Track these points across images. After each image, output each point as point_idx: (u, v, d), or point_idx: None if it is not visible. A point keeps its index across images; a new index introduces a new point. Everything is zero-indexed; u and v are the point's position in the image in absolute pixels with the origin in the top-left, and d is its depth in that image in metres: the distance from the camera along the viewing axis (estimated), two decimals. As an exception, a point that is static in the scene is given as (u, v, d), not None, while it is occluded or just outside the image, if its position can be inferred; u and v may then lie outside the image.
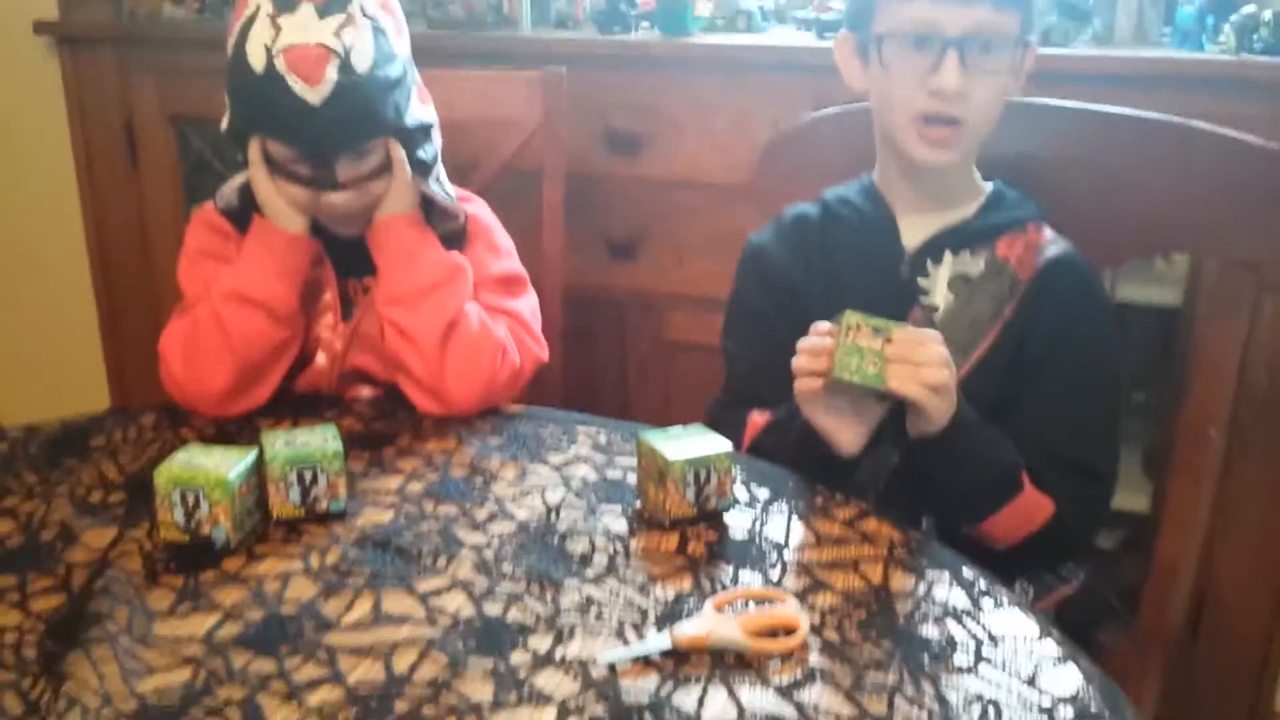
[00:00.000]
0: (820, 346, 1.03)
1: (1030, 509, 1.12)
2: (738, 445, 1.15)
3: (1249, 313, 1.25)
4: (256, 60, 1.14)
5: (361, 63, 1.16)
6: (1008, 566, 1.14)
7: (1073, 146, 1.31)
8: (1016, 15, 1.15)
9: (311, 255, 1.27)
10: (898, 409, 1.07)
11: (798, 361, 1.06)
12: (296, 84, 1.13)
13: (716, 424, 1.06)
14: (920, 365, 1.02)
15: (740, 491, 1.06)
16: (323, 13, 1.15)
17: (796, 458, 1.11)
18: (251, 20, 1.16)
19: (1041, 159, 1.30)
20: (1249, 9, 1.62)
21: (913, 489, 1.12)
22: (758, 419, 1.21)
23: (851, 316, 1.02)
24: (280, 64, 1.13)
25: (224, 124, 1.23)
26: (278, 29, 1.14)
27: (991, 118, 1.18)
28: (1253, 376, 1.59)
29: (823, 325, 1.05)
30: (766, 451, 1.16)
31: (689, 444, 1.01)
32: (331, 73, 1.14)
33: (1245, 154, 1.21)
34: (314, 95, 1.14)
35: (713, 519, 1.01)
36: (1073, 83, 1.49)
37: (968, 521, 1.12)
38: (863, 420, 1.08)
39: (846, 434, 1.08)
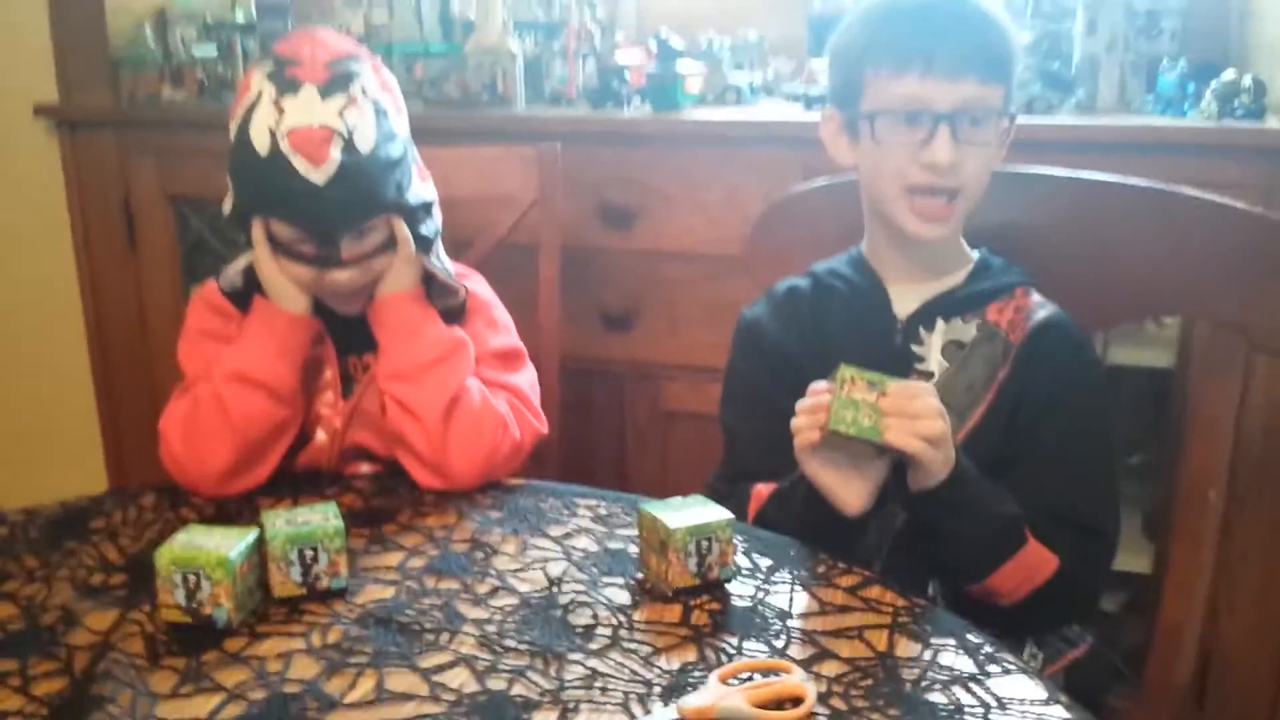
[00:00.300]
0: (817, 404, 1.04)
1: (1034, 563, 1.12)
2: (742, 518, 1.15)
3: (1241, 374, 1.26)
4: (261, 143, 1.16)
5: (364, 143, 1.18)
6: (1015, 630, 1.14)
7: (1060, 214, 1.33)
8: (1001, 88, 1.18)
9: (313, 334, 1.28)
10: (900, 468, 1.08)
11: (796, 420, 1.07)
12: (301, 165, 1.15)
13: (719, 498, 1.06)
14: (916, 418, 1.02)
15: (742, 560, 1.06)
16: (325, 94, 1.17)
17: (802, 524, 1.11)
18: (254, 104, 1.18)
19: (1030, 227, 1.32)
20: (1229, 76, 1.66)
21: (918, 552, 1.13)
22: (761, 490, 1.21)
23: (846, 370, 1.03)
24: (285, 145, 1.15)
25: (226, 206, 1.25)
26: (281, 111, 1.16)
27: (982, 188, 1.21)
28: (1248, 437, 1.60)
29: (820, 384, 1.06)
30: (772, 521, 1.16)
31: (690, 513, 1.01)
32: (335, 153, 1.16)
33: (1230, 218, 1.23)
34: (318, 175, 1.15)
35: (715, 589, 1.01)
36: (1058, 151, 1.52)
37: (973, 578, 1.12)
38: (865, 477, 1.08)
39: (849, 492, 1.08)
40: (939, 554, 1.12)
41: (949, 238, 1.23)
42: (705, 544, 1.00)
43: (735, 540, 1.02)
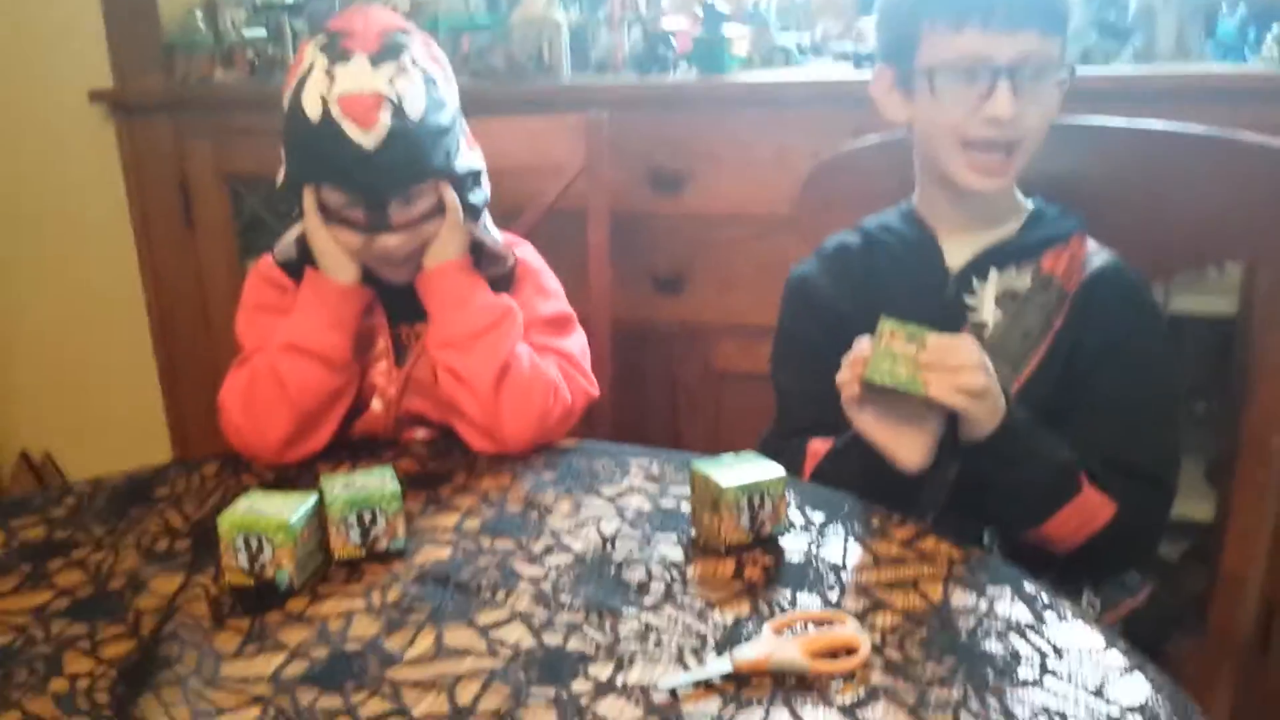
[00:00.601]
0: (857, 357, 1.04)
1: (1091, 509, 1.11)
2: (796, 475, 1.15)
3: (1306, 318, 1.24)
4: (312, 110, 1.18)
5: (414, 110, 1.19)
6: (1072, 578, 1.13)
7: (1118, 163, 1.31)
8: (1059, 40, 1.16)
9: (364, 304, 1.29)
10: (953, 420, 1.07)
11: (840, 374, 1.07)
12: (351, 129, 1.17)
13: (775, 457, 1.05)
14: (957, 370, 1.02)
15: (795, 515, 1.06)
16: (375, 62, 1.19)
17: (859, 482, 1.10)
18: (307, 74, 1.20)
19: (1089, 176, 1.30)
20: (1291, 18, 1.62)
21: (973, 503, 1.12)
22: (818, 446, 1.21)
23: (886, 323, 1.03)
24: (335, 111, 1.17)
25: (279, 178, 1.27)
26: (332, 79, 1.18)
27: (1039, 141, 1.19)
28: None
29: (864, 339, 1.05)
30: (829, 479, 1.16)
31: (741, 471, 1.01)
32: (385, 118, 1.17)
33: (1291, 161, 1.20)
34: (368, 140, 1.17)
35: (769, 544, 1.01)
36: (1117, 100, 1.49)
37: (1028, 525, 1.11)
38: (921, 431, 1.07)
39: (905, 446, 1.07)
40: (993, 503, 1.11)
41: (1005, 190, 1.21)
42: (757, 501, 1.00)
43: (788, 496, 1.02)
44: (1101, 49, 1.74)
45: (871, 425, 1.07)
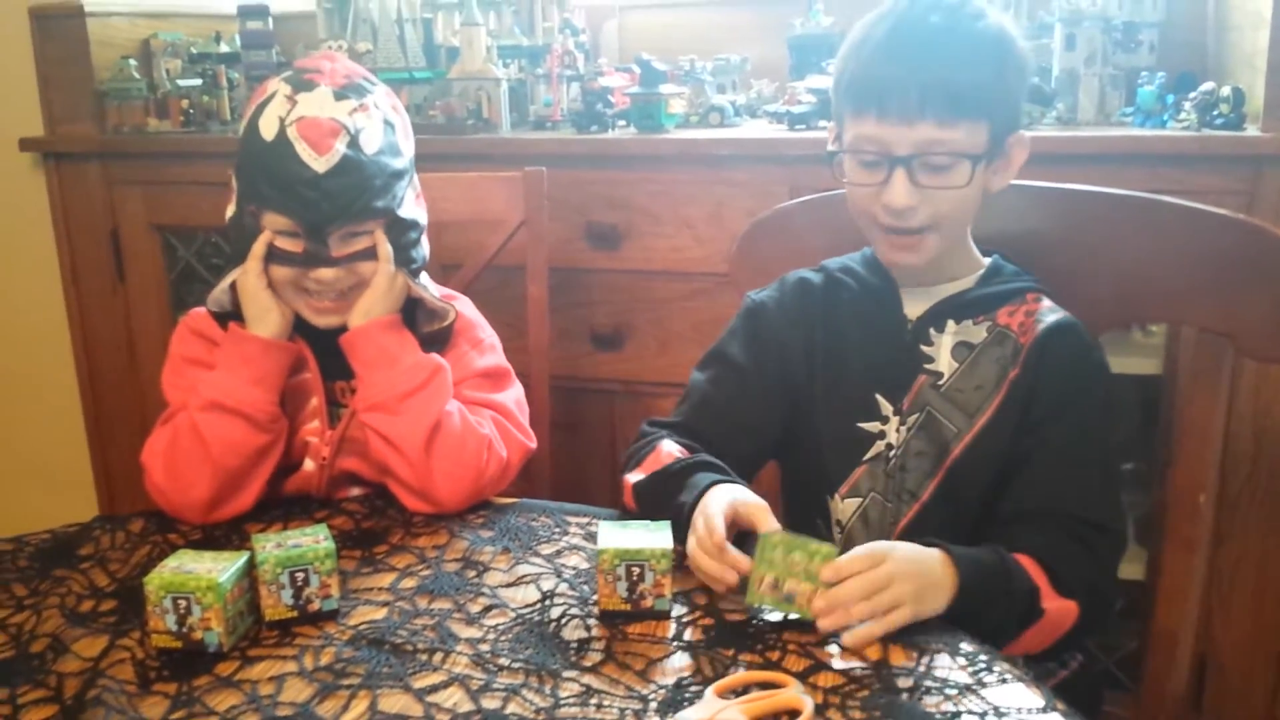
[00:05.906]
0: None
1: (1056, 621, 1.08)
2: (638, 454, 1.20)
3: (1228, 378, 1.27)
4: (268, 130, 1.19)
5: (369, 145, 1.20)
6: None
7: (1044, 223, 1.33)
8: (971, 125, 1.14)
9: (289, 360, 1.27)
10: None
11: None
12: (305, 151, 1.17)
13: (640, 436, 1.11)
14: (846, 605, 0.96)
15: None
16: (338, 96, 1.21)
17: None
18: (268, 100, 1.21)
19: (1017, 237, 1.32)
20: (1207, 86, 1.67)
21: None
22: (670, 448, 1.20)
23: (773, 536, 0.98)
24: (291, 132, 1.18)
25: (229, 210, 1.26)
26: (293, 104, 1.20)
27: (958, 221, 1.20)
28: (1237, 441, 1.61)
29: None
30: (642, 494, 1.17)
31: (631, 536, 1.00)
32: (340, 145, 1.18)
33: (1212, 225, 1.23)
34: (320, 164, 1.17)
35: (649, 618, 0.99)
36: (1040, 164, 1.52)
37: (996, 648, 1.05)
38: None
39: None
40: None
41: (925, 264, 1.22)
42: (636, 571, 0.98)
43: (671, 572, 0.99)
44: (1025, 114, 1.79)
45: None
